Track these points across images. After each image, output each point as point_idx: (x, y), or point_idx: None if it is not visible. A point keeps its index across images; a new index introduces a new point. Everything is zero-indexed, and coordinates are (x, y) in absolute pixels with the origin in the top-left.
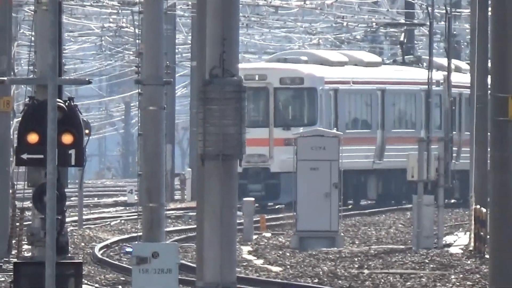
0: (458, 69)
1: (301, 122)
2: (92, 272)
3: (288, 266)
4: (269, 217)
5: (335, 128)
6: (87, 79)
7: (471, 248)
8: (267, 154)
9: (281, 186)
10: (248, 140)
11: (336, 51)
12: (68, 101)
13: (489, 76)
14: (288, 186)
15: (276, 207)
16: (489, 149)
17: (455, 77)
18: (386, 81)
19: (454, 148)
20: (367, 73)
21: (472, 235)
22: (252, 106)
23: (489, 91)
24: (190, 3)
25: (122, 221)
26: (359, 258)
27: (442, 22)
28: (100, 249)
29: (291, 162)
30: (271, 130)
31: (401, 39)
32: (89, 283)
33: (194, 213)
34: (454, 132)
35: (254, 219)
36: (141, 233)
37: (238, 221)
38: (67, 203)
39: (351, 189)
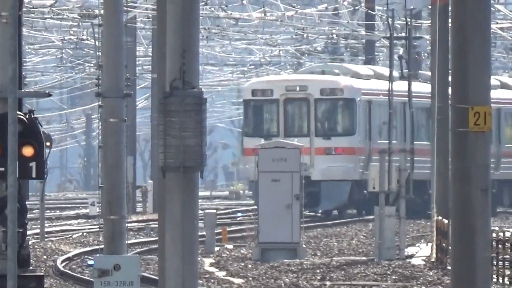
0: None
1: (340, 131)
2: (54, 285)
3: (250, 278)
4: (231, 229)
5: (367, 139)
6: (47, 91)
7: (433, 259)
8: (308, 162)
9: (322, 194)
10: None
11: (363, 66)
12: (28, 114)
13: (450, 87)
14: (329, 194)
15: (238, 219)
16: (450, 160)
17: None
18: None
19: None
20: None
21: (434, 246)
22: (293, 116)
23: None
24: (150, 15)
25: (84, 234)
26: (321, 270)
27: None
28: (62, 261)
29: (332, 170)
30: (312, 139)
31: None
32: None
33: (156, 225)
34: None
35: (216, 231)
36: (102, 246)
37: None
38: (29, 215)
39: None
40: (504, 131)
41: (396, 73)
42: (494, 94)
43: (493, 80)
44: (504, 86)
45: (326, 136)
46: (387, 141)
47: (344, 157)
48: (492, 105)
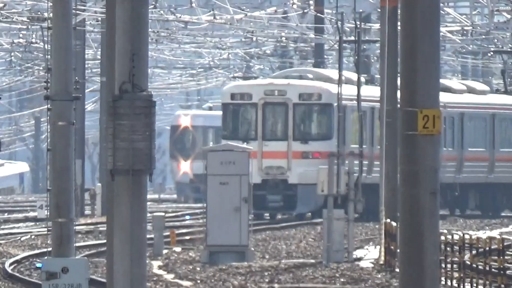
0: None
1: (317, 136)
2: (3, 287)
3: (199, 281)
4: (179, 232)
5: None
6: None
7: (381, 262)
8: (285, 166)
9: (298, 197)
10: (268, 152)
11: (333, 70)
12: None
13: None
14: (305, 197)
15: (186, 222)
16: (398, 163)
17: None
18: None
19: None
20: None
21: (383, 249)
22: (271, 120)
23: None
24: (99, 18)
25: (33, 237)
26: (269, 273)
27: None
28: (11, 264)
29: (308, 174)
30: (290, 143)
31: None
32: None
33: (104, 228)
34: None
35: (164, 234)
36: (51, 249)
37: (148, 236)
38: None
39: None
40: (468, 135)
41: (363, 78)
42: (459, 98)
43: (461, 85)
44: (471, 90)
45: (304, 140)
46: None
47: (321, 161)
48: (456, 109)
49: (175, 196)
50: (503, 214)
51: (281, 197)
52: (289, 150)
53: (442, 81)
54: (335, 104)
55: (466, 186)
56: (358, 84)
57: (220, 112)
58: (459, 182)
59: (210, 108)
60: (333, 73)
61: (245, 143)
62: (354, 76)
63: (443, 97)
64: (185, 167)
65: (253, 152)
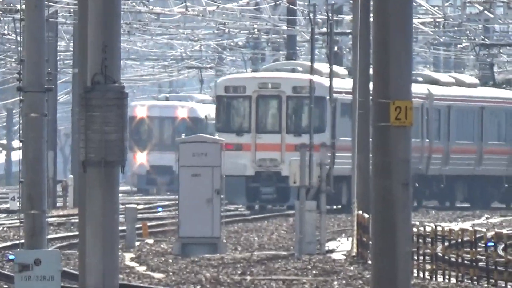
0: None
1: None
2: None
3: (171, 273)
4: (152, 224)
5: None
6: None
7: (353, 254)
8: (278, 159)
9: (291, 189)
10: (261, 145)
11: (323, 64)
12: None
13: (371, 82)
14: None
15: (158, 214)
16: (371, 155)
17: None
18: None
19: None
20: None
21: (355, 241)
22: (265, 113)
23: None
24: (72, 10)
25: (5, 229)
26: (241, 265)
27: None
28: None
29: None
30: (283, 136)
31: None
32: None
33: (77, 220)
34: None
35: (137, 225)
36: (23, 240)
37: (120, 228)
38: None
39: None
40: (455, 128)
41: (345, 71)
42: (447, 91)
43: (448, 77)
44: (459, 83)
45: (297, 133)
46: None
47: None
48: (444, 101)
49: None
50: (493, 206)
51: (274, 189)
52: (282, 142)
53: (429, 73)
54: (328, 97)
55: (452, 178)
56: (330, 76)
57: (179, 103)
58: (445, 174)
59: (167, 99)
60: (323, 67)
61: (239, 135)
62: (338, 69)
63: (431, 89)
64: (142, 158)
65: (247, 144)
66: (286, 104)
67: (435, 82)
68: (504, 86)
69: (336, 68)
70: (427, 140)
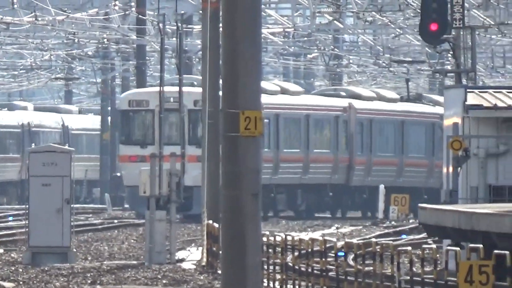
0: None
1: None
2: None
3: (21, 282)
4: (1, 233)
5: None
6: None
7: (203, 264)
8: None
9: (194, 198)
10: (165, 156)
11: (271, 83)
12: None
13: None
14: (200, 199)
15: (9, 223)
16: (221, 165)
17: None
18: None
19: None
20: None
21: (205, 251)
22: (168, 125)
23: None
24: None
25: None
26: (91, 274)
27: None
28: None
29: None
30: (186, 148)
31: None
32: None
33: None
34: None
35: None
36: None
37: None
38: None
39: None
40: (377, 140)
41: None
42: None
43: (370, 92)
44: (381, 98)
45: (198, 144)
46: (295, 150)
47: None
48: (367, 115)
49: None
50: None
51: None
52: (185, 154)
53: (352, 88)
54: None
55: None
56: (180, 85)
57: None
58: (368, 185)
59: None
60: (268, 85)
61: (143, 147)
62: (291, 86)
63: (354, 103)
64: None
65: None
66: (188, 117)
67: (358, 96)
68: (418, 101)
69: (287, 85)
70: (348, 152)
